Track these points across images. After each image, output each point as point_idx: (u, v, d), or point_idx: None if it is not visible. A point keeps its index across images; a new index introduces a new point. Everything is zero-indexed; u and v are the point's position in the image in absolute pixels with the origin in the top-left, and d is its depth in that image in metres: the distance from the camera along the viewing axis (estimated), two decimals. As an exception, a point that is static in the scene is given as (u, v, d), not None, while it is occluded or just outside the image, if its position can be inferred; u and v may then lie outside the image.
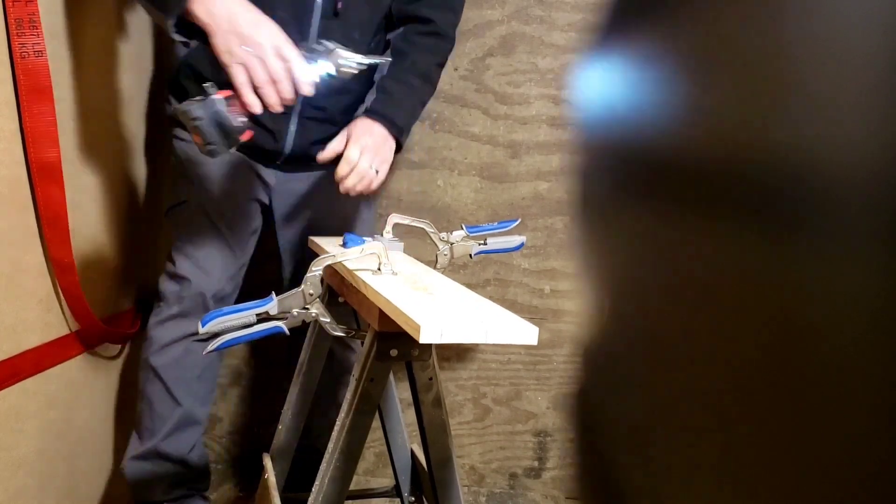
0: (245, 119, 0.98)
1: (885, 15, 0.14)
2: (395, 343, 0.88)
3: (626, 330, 0.26)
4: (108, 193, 1.37)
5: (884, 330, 0.14)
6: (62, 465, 1.33)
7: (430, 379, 0.95)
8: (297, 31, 1.15)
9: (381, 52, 1.33)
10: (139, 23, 1.40)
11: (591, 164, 0.29)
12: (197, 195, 1.33)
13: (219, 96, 0.96)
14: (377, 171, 1.20)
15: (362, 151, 1.17)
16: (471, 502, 1.78)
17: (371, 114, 1.23)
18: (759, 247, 0.17)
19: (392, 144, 1.24)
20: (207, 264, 1.34)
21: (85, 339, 1.33)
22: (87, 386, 1.38)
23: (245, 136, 0.99)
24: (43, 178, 1.13)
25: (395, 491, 1.42)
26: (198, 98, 0.96)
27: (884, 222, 0.14)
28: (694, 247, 0.20)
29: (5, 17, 1.06)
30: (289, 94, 0.96)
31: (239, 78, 0.95)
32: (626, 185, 0.25)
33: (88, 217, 1.33)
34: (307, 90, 0.97)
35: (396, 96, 1.25)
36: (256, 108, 0.96)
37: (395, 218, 1.18)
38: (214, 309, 1.32)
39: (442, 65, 1.35)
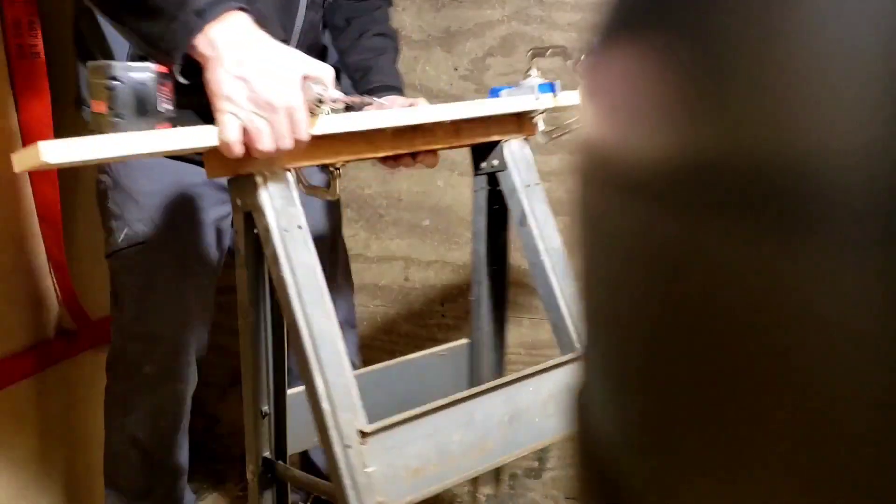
0: (171, 108, 0.84)
1: (885, 14, 0.14)
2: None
3: (627, 329, 0.26)
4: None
5: (883, 330, 0.14)
6: (62, 465, 1.33)
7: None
8: (280, 25, 1.07)
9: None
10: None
11: (592, 164, 0.29)
12: (159, 235, 1.11)
13: (155, 69, 0.82)
14: None
15: None
16: (471, 502, 1.78)
17: (395, 91, 1.19)
18: (759, 247, 0.17)
19: None
20: (183, 314, 1.15)
21: (84, 339, 1.33)
22: (87, 385, 1.39)
23: (160, 127, 0.83)
24: (38, 178, 1.14)
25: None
26: (130, 63, 0.82)
27: (883, 223, 0.14)
28: (694, 247, 0.20)
29: (3, 17, 1.06)
30: (287, 151, 0.84)
31: (229, 133, 0.80)
32: (626, 185, 0.25)
33: (87, 215, 1.33)
34: (300, 149, 0.85)
35: (391, 68, 1.22)
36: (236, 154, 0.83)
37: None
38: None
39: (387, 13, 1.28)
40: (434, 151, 1.06)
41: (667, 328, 0.22)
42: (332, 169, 0.96)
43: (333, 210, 1.32)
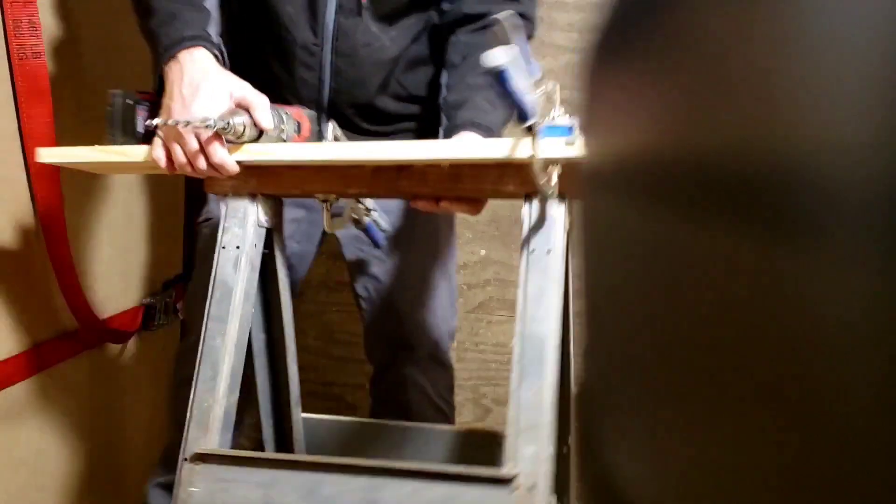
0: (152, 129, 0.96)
1: (885, 11, 0.14)
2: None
3: (627, 330, 0.26)
4: (108, 192, 1.37)
5: (884, 332, 0.14)
6: (62, 465, 1.33)
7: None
8: (308, 27, 1.05)
9: (423, 63, 1.16)
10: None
11: (590, 167, 0.29)
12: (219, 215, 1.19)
13: (139, 98, 0.96)
14: None
15: None
16: (471, 502, 1.78)
17: (475, 128, 1.03)
18: (758, 247, 0.17)
19: None
20: None
21: (85, 339, 1.33)
22: (88, 386, 1.39)
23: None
24: (40, 179, 1.14)
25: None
26: (118, 91, 0.97)
27: (884, 221, 0.14)
28: (694, 247, 0.20)
29: (3, 18, 1.06)
30: (203, 174, 0.92)
31: (153, 151, 0.91)
32: (625, 185, 0.25)
33: (89, 216, 1.33)
34: (228, 173, 0.91)
35: (485, 106, 1.05)
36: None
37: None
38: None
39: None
40: (463, 199, 0.94)
41: (667, 330, 0.22)
42: (321, 201, 1.00)
43: (424, 250, 1.26)
